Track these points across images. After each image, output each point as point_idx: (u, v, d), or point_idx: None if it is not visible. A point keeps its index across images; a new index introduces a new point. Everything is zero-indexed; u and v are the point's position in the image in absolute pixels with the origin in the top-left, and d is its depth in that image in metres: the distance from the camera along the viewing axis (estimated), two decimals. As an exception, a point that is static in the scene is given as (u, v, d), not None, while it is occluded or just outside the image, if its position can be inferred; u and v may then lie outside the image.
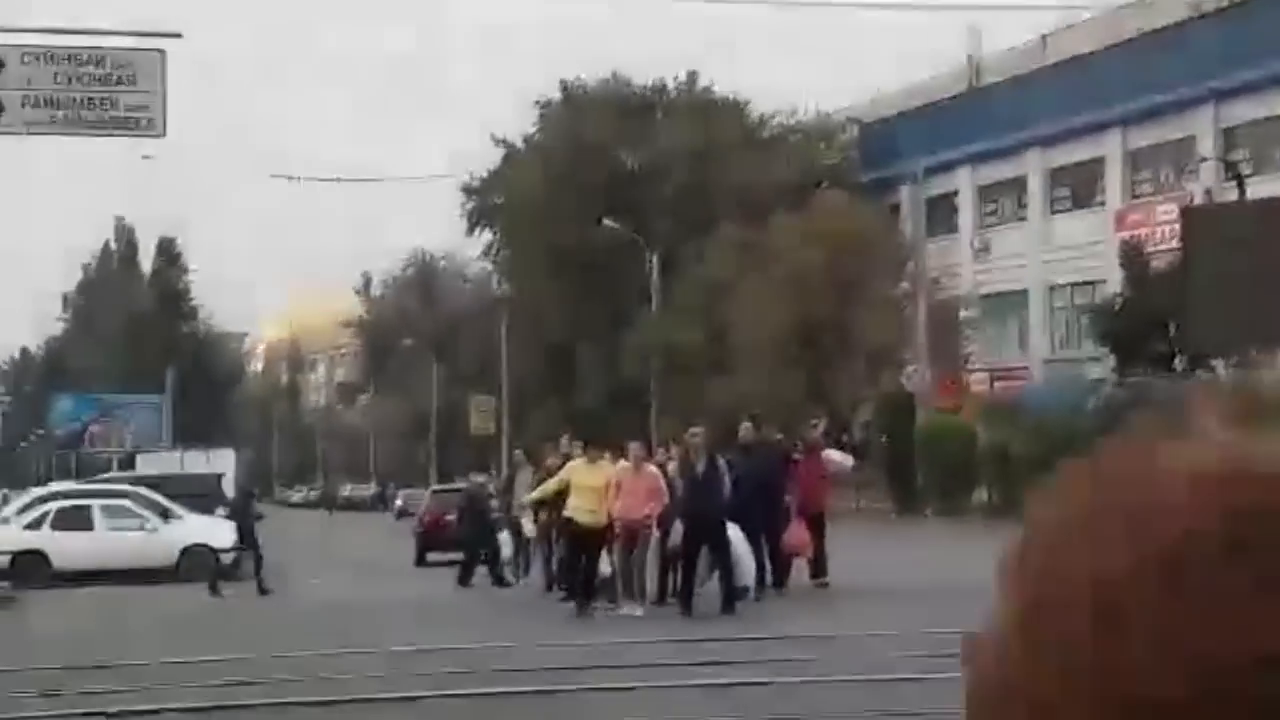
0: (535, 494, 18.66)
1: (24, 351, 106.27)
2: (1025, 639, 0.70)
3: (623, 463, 17.43)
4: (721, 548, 16.86)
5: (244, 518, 25.10)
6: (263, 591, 23.68)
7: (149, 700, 10.79)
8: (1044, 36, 54.33)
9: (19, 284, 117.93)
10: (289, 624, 17.98)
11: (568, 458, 19.66)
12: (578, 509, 17.32)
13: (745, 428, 17.37)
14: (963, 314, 51.84)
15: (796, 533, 18.29)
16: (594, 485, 17.23)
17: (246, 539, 24.81)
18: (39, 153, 74.53)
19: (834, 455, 19.44)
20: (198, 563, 27.53)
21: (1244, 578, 0.66)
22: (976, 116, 53.58)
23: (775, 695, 10.47)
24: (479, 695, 10.86)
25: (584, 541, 17.27)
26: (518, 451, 27.45)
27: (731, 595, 16.66)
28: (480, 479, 27.40)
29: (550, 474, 20.51)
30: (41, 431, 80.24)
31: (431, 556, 31.14)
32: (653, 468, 17.59)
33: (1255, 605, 0.66)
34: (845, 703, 10.00)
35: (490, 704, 10.47)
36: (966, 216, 56.18)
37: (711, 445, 17.70)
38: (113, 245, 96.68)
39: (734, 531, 17.48)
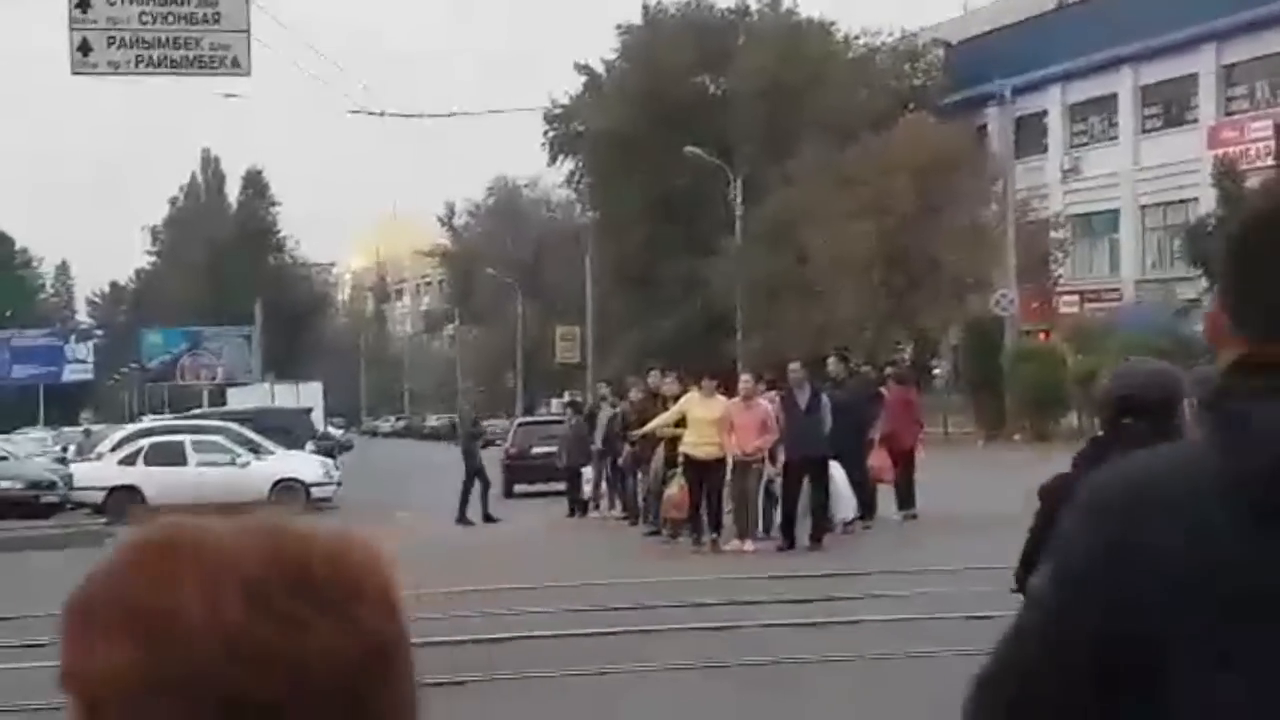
0: (654, 424, 18.39)
1: (114, 285, 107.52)
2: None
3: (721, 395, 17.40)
4: (822, 483, 16.75)
5: (470, 456, 24.97)
6: (488, 519, 23.81)
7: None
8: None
9: (109, 218, 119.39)
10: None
11: (655, 392, 19.56)
12: (695, 443, 17.19)
13: (833, 362, 17.17)
14: (1052, 236, 51.15)
15: (878, 457, 18.21)
16: (711, 419, 17.13)
17: (473, 474, 24.71)
18: (130, 86, 74.96)
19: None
20: (289, 498, 27.81)
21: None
22: (1066, 34, 52.61)
23: (870, 633, 10.38)
24: (592, 634, 10.83)
25: (703, 475, 17.15)
26: (602, 385, 27.40)
27: (821, 530, 16.59)
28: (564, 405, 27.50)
29: (635, 407, 20.44)
30: (133, 365, 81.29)
31: (519, 488, 31.30)
32: (763, 401, 17.49)
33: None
34: (934, 639, 9.89)
35: (599, 643, 10.44)
36: (1056, 137, 55.34)
37: (813, 379, 17.49)
38: (199, 179, 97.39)
39: (835, 468, 17.40)
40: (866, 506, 18.40)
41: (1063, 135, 55.19)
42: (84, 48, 23.01)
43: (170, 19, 22.75)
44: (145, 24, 22.77)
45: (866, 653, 9.66)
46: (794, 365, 17.34)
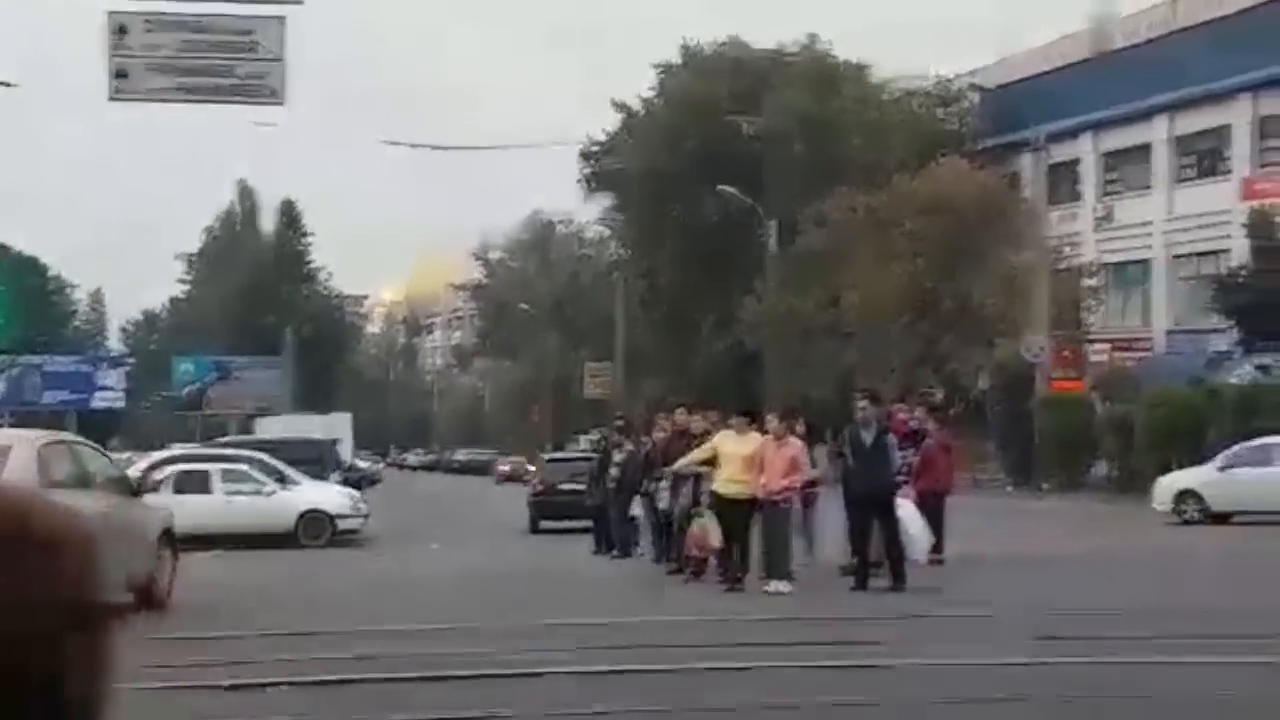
0: (683, 461, 18.22)
1: (147, 314, 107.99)
2: None
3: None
4: (891, 522, 16.60)
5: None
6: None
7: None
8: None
9: (144, 247, 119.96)
10: (419, 590, 18.04)
11: (682, 430, 19.45)
12: (727, 480, 17.03)
13: (862, 406, 17.04)
14: (1084, 283, 50.95)
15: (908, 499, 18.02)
16: (743, 455, 17.01)
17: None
18: (167, 115, 75.53)
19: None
20: (315, 529, 27.78)
21: None
22: (1101, 82, 52.52)
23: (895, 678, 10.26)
24: (616, 673, 10.71)
25: (733, 514, 17.00)
26: (617, 421, 27.32)
27: (900, 569, 16.39)
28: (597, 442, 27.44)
29: (660, 444, 20.34)
30: (164, 393, 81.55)
31: (545, 524, 31.25)
32: (794, 440, 17.35)
33: None
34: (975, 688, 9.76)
35: (622, 681, 10.33)
36: (1089, 184, 55.20)
37: (878, 417, 17.29)
38: (235, 209, 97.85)
39: (906, 506, 17.26)
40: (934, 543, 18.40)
41: (1097, 183, 55.06)
42: (121, 74, 23.08)
43: (206, 47, 22.81)
44: (182, 52, 22.84)
45: (895, 697, 9.53)
46: (862, 403, 17.13)
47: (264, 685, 10.07)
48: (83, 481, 15.88)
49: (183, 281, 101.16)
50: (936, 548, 18.80)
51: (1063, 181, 55.12)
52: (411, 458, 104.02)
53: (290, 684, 10.11)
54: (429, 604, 16.30)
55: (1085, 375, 48.01)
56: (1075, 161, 55.41)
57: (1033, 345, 45.25)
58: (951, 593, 15.84)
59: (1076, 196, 55.35)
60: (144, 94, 23.57)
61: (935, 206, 47.18)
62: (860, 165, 52.90)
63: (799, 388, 44.94)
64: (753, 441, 17.16)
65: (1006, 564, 19.82)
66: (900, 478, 17.59)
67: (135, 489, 17.60)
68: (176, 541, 17.87)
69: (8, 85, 21.24)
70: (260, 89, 23.54)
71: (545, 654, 11.38)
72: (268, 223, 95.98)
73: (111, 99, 23.59)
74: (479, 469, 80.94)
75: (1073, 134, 54.06)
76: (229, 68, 23.23)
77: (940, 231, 47.08)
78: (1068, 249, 51.66)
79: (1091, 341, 50.77)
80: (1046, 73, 55.88)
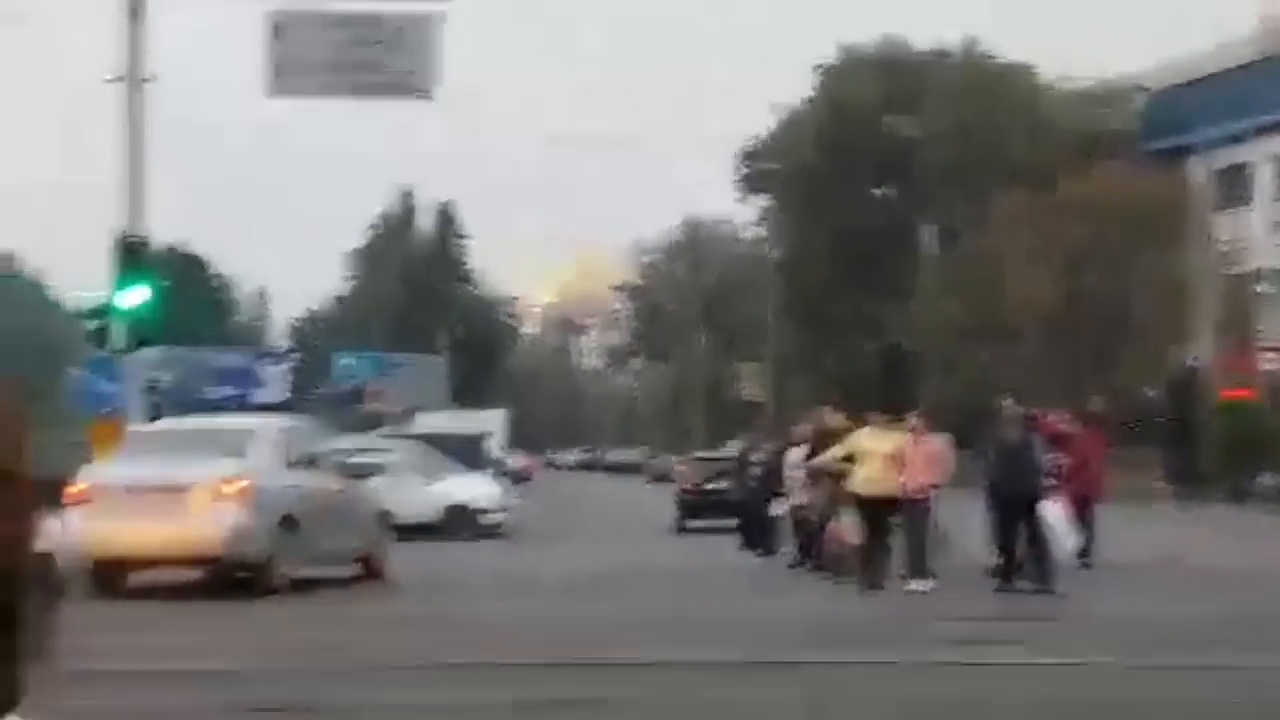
0: (821, 459, 18.03)
1: (310, 311, 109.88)
2: None
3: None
4: (1035, 524, 16.26)
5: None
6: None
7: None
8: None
9: (308, 245, 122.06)
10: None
11: (826, 431, 19.19)
12: (866, 479, 16.81)
13: (1007, 405, 16.68)
14: (1255, 290, 49.52)
15: (1055, 502, 17.56)
16: (883, 453, 16.76)
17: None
18: (328, 113, 77.23)
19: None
20: (462, 521, 27.98)
21: None
22: (1272, 83, 51.03)
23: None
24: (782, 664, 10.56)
25: (874, 512, 16.78)
26: (760, 423, 27.21)
27: (1046, 571, 16.05)
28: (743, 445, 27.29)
29: (805, 443, 20.08)
30: (324, 388, 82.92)
31: (691, 524, 31.14)
32: (935, 438, 17.09)
33: None
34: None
35: (756, 674, 10.16)
36: (1263, 189, 53.63)
37: (1025, 418, 16.97)
38: (395, 209, 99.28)
39: (1052, 508, 16.90)
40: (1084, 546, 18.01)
41: (1271, 187, 53.49)
42: (278, 71, 23.46)
43: (360, 44, 23.12)
44: (336, 49, 23.17)
45: (1015, 696, 9.23)
46: (1008, 402, 16.86)
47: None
48: (314, 462, 17.50)
49: (346, 279, 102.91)
50: (1085, 551, 18.34)
51: (1231, 185, 53.63)
52: (564, 457, 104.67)
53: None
54: (559, 598, 16.26)
55: (1256, 383, 46.67)
56: (1244, 165, 53.90)
57: (1199, 353, 44.13)
58: (1089, 597, 15.40)
59: (1246, 201, 53.83)
60: (298, 90, 23.94)
61: (1098, 211, 46.23)
62: (1020, 168, 52.02)
63: (952, 393, 44.29)
64: (893, 439, 16.90)
65: (1157, 572, 19.20)
66: (1049, 480, 17.17)
67: (355, 473, 19.27)
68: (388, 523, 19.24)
69: (149, 81, 21.47)
70: (411, 85, 23.80)
71: (672, 645, 11.27)
72: (426, 223, 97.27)
73: (269, 95, 23.99)
74: (630, 469, 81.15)
75: (1241, 138, 52.58)
76: (381, 64, 23.49)
77: (1103, 236, 46.12)
78: (1237, 255, 50.27)
79: (1264, 349, 49.33)
80: (1214, 74, 54.45)
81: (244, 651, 11.65)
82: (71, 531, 14.13)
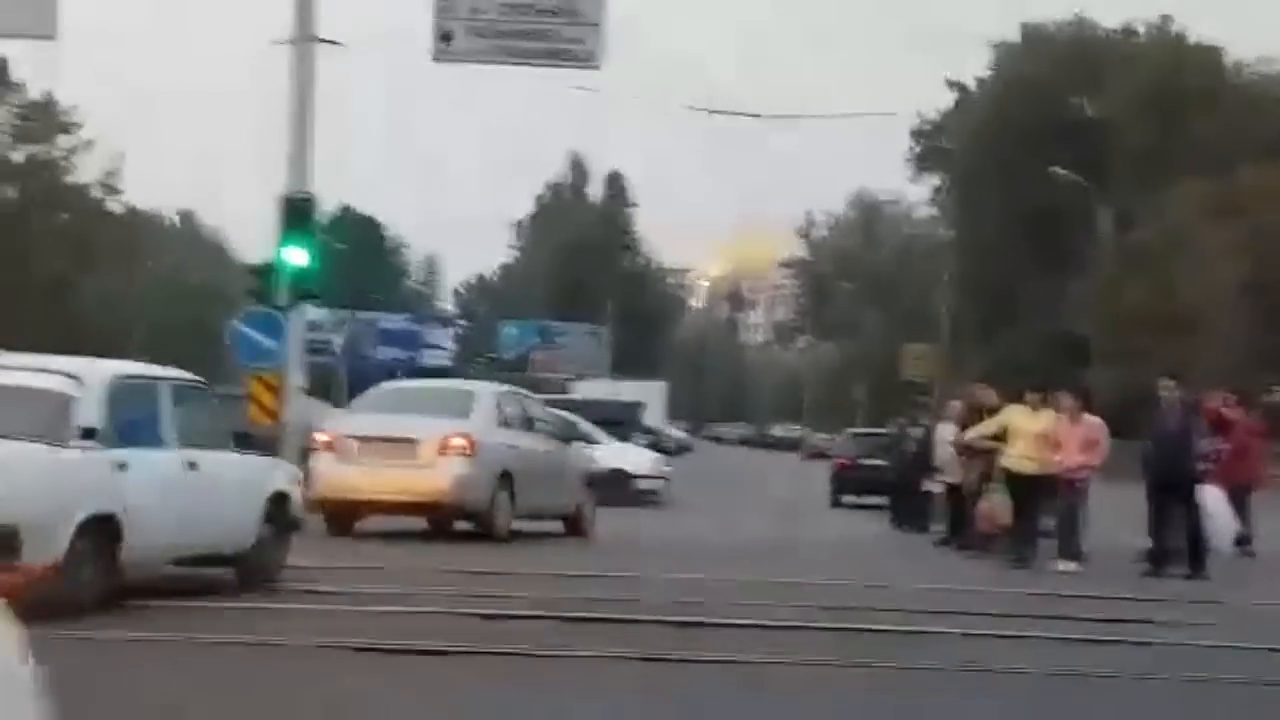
0: (971, 434, 17.90)
1: (480, 277, 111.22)
2: None
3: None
4: (1193, 507, 15.93)
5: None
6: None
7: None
8: None
9: (479, 212, 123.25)
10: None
11: (978, 408, 18.96)
12: (1016, 457, 16.65)
13: (1167, 388, 16.30)
14: None
15: (1212, 489, 17.09)
16: (1034, 431, 16.56)
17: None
18: (499, 83, 77.93)
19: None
20: (616, 487, 28.06)
21: None
22: None
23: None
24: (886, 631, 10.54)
25: (1024, 490, 16.60)
26: (919, 399, 26.98)
27: (1199, 557, 15.72)
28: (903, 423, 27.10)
29: (957, 421, 19.86)
30: (490, 355, 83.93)
31: (846, 499, 31.02)
32: (1093, 418, 16.83)
33: None
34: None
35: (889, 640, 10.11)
36: None
37: (1187, 400, 16.63)
38: (565, 178, 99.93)
39: (1211, 492, 16.53)
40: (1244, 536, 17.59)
41: None
42: (446, 37, 23.65)
43: (527, 10, 23.21)
44: (503, 16, 23.29)
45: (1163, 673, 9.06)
46: (1167, 382, 16.51)
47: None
48: (528, 425, 18.89)
49: (513, 248, 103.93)
50: (1245, 539, 17.88)
51: None
52: (726, 430, 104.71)
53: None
54: (708, 562, 16.30)
55: None
56: None
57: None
58: (1242, 586, 15.00)
59: None
60: (465, 56, 24.09)
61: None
62: (1207, 152, 50.65)
63: (1127, 378, 43.34)
64: (1045, 418, 16.65)
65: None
66: (1208, 465, 16.76)
67: (566, 437, 20.35)
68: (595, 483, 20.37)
69: (335, 44, 21.75)
70: (577, 53, 23.84)
71: (808, 610, 11.28)
72: (595, 192, 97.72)
73: (435, 60, 24.19)
74: (791, 445, 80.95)
75: None
76: (548, 31, 23.59)
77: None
78: None
79: None
80: None
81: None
82: (314, 475, 16.47)
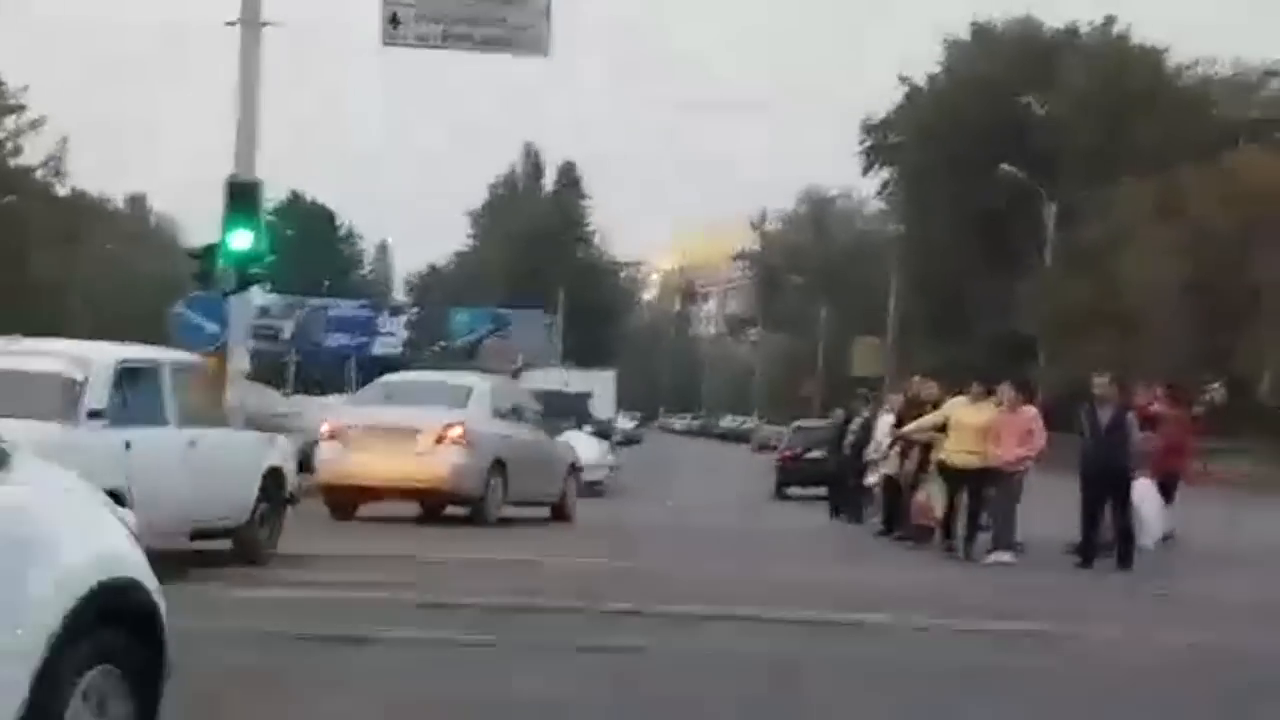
0: (911, 427, 18.04)
1: (431, 267, 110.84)
2: None
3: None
4: (1124, 503, 16.06)
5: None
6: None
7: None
8: None
9: (430, 202, 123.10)
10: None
11: (917, 400, 19.09)
12: (955, 450, 16.74)
13: (1100, 383, 16.44)
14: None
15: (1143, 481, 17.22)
16: (976, 424, 16.66)
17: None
18: (459, 73, 77.79)
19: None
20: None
21: None
22: None
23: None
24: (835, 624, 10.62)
25: (960, 483, 16.69)
26: (863, 390, 27.18)
27: (1127, 552, 15.88)
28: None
29: (896, 412, 20.00)
30: (441, 344, 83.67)
31: (792, 491, 31.15)
32: (1028, 408, 16.94)
33: None
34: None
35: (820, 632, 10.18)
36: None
37: (1122, 396, 16.77)
38: (518, 169, 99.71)
39: (1144, 488, 16.68)
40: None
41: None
42: (394, 20, 23.62)
43: (473, -2, 23.20)
44: (451, 1, 23.30)
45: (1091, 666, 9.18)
46: (1100, 379, 16.64)
47: None
48: (520, 416, 20.10)
49: (469, 237, 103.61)
50: (1169, 534, 18.05)
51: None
52: (676, 422, 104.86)
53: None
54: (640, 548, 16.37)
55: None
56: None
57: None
58: (1164, 578, 15.20)
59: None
60: (414, 40, 24.09)
61: (1229, 197, 45.28)
62: (1150, 152, 51.04)
63: (1072, 375, 43.65)
64: (987, 411, 16.75)
65: (1247, 559, 18.78)
66: (1141, 460, 16.91)
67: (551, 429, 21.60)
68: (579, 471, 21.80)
69: (273, 24, 21.69)
70: (525, 40, 23.89)
71: (711, 603, 11.36)
72: (549, 183, 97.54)
73: (384, 44, 24.16)
74: (741, 437, 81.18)
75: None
76: (495, 17, 23.60)
77: (1234, 222, 45.17)
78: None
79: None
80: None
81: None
82: (318, 462, 18.17)
